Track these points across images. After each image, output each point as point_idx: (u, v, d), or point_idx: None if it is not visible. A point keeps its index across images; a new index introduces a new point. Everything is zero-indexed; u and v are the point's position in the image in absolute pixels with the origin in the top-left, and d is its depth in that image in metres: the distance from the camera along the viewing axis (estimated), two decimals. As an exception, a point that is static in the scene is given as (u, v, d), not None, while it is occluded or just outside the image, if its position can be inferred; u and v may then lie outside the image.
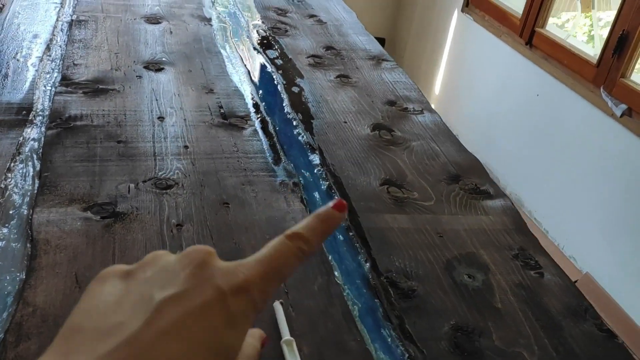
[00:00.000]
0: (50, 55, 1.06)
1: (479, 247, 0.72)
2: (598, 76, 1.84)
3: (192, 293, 0.25)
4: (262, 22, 1.38)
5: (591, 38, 2.22)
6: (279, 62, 1.18)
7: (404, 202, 0.78)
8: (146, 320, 0.24)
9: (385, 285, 0.63)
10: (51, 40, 1.13)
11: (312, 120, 0.96)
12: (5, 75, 0.97)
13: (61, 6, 1.31)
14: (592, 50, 1.99)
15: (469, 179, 0.86)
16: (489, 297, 0.64)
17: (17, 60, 1.03)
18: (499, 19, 2.36)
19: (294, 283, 0.61)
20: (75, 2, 1.34)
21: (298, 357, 0.51)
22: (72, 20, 1.24)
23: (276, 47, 1.25)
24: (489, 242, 0.73)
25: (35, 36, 1.14)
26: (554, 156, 2.13)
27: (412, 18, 3.25)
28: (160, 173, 0.76)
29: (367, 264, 0.66)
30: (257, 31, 1.33)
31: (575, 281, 1.99)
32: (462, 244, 0.72)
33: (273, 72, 1.13)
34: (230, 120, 0.93)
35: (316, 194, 0.77)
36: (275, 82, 1.09)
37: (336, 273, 0.64)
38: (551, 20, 2.30)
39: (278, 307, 0.56)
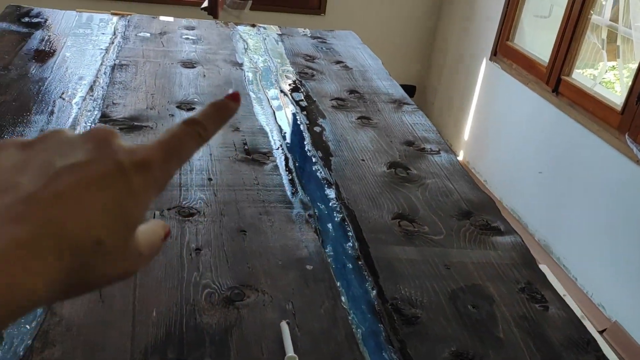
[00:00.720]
0: (92, 95, 1.15)
1: (486, 280, 0.74)
2: (623, 123, 1.85)
3: (92, 164, 0.26)
4: (291, 67, 1.46)
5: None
6: (304, 103, 1.24)
7: (414, 236, 0.81)
8: (44, 183, 0.25)
9: (389, 311, 0.66)
10: (94, 82, 1.23)
11: (330, 158, 1.01)
12: (51, 113, 1.06)
13: (106, 52, 1.42)
14: (619, 98, 2.00)
15: (481, 216, 0.89)
16: (492, 327, 0.65)
17: (63, 99, 1.12)
18: (526, 67, 2.40)
19: (301, 306, 0.64)
20: (119, 48, 1.45)
21: (300, 373, 0.54)
22: (114, 64, 1.34)
23: (302, 90, 1.32)
24: (496, 276, 0.75)
25: (81, 78, 1.23)
26: (581, 202, 2.12)
27: (442, 67, 3.32)
28: (184, 202, 0.82)
29: (374, 291, 0.69)
30: (285, 75, 1.40)
31: (604, 330, 1.94)
32: (468, 276, 0.74)
33: (297, 112, 1.19)
34: (253, 155, 0.98)
35: (329, 225, 0.81)
36: (299, 122, 1.15)
37: (343, 298, 0.67)
38: (590, 71, 2.32)
39: (284, 326, 0.59)
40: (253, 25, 1.89)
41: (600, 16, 2.14)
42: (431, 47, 3.45)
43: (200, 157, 0.95)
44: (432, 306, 0.67)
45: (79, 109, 1.08)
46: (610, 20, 2.16)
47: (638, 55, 1.91)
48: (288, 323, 0.60)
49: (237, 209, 0.82)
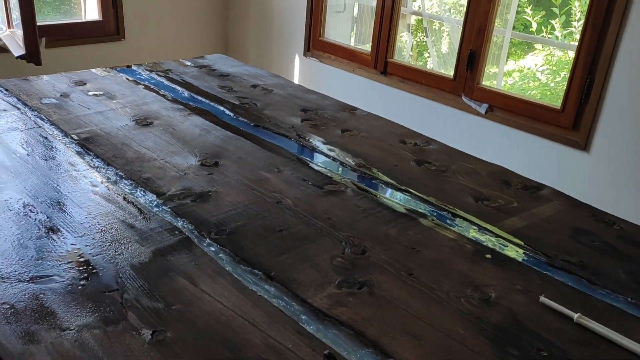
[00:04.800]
0: (119, 173, 1.06)
1: None
2: (456, 87, 2.33)
3: None
4: (234, 100, 1.50)
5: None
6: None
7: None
8: None
9: None
10: (93, 164, 1.11)
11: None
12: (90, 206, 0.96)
13: (39, 128, 1.25)
14: (442, 68, 2.49)
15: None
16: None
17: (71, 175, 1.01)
18: (347, 57, 2.74)
19: None
20: (50, 123, 1.30)
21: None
22: (77, 140, 1.21)
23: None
24: None
25: (73, 165, 1.10)
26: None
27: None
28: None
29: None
30: (235, 109, 1.44)
31: None
32: None
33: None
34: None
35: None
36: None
37: None
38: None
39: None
40: (129, 67, 1.81)
41: (405, 7, 2.59)
42: (228, 51, 3.58)
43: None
44: None
45: (124, 198, 1.00)
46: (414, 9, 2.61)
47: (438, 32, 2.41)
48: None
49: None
